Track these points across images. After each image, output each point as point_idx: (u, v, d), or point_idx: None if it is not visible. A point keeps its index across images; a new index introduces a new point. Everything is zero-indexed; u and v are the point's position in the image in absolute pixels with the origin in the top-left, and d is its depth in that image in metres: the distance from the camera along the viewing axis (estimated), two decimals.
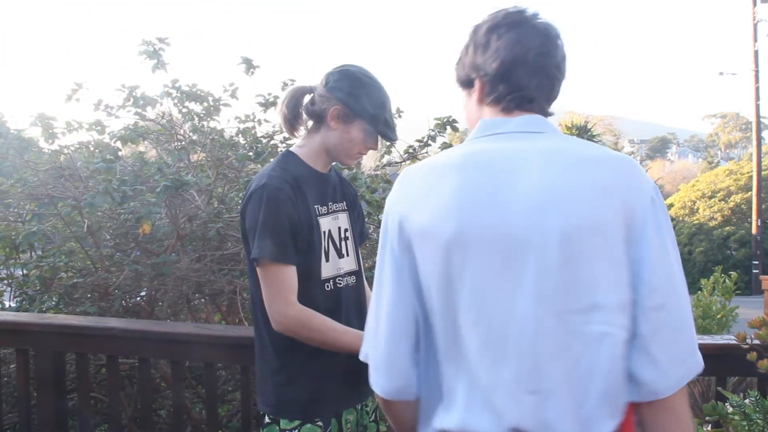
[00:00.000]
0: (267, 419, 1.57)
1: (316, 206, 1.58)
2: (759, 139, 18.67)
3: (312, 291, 1.54)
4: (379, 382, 1.09)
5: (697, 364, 0.97)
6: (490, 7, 1.14)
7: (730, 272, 6.55)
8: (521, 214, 0.94)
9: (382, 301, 1.06)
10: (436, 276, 0.99)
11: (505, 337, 0.94)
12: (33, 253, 2.99)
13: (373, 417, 1.72)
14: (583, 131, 20.45)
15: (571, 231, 0.93)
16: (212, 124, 3.11)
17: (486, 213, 0.96)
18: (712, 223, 19.23)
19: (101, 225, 2.82)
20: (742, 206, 19.24)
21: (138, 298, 2.91)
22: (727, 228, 18.92)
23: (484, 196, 0.97)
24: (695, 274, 17.53)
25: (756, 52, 18.22)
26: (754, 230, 17.70)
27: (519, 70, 1.05)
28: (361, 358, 1.14)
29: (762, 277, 8.55)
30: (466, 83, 1.14)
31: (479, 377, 0.97)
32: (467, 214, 0.96)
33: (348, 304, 1.63)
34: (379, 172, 3.39)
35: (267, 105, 3.08)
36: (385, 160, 3.48)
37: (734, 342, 1.63)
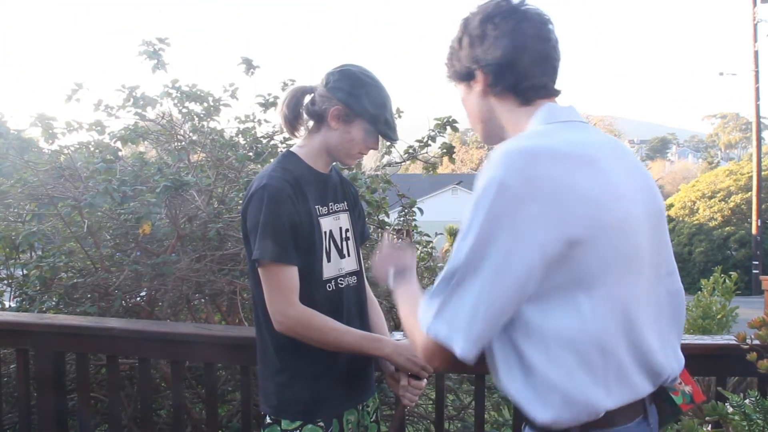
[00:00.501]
0: (268, 420, 1.57)
1: (316, 206, 1.58)
2: (759, 139, 18.67)
3: (313, 291, 1.54)
4: None
5: None
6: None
7: (730, 272, 6.55)
8: (629, 202, 1.05)
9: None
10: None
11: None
12: (33, 253, 2.98)
13: (374, 417, 1.72)
14: None
15: (658, 214, 1.13)
16: (212, 124, 3.11)
17: (612, 203, 1.02)
18: (712, 224, 19.23)
19: (101, 225, 2.82)
20: (742, 206, 19.23)
21: (138, 298, 2.91)
22: (727, 228, 18.91)
23: (606, 186, 1.03)
24: (695, 274, 17.52)
25: (756, 52, 18.22)
26: (754, 230, 17.70)
27: (523, 58, 1.09)
28: None
29: (762, 277, 8.56)
30: (465, 76, 1.16)
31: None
32: (603, 204, 1.01)
33: (349, 304, 1.63)
34: (379, 173, 3.39)
35: (267, 105, 3.08)
36: (385, 161, 3.49)
37: (734, 342, 1.63)
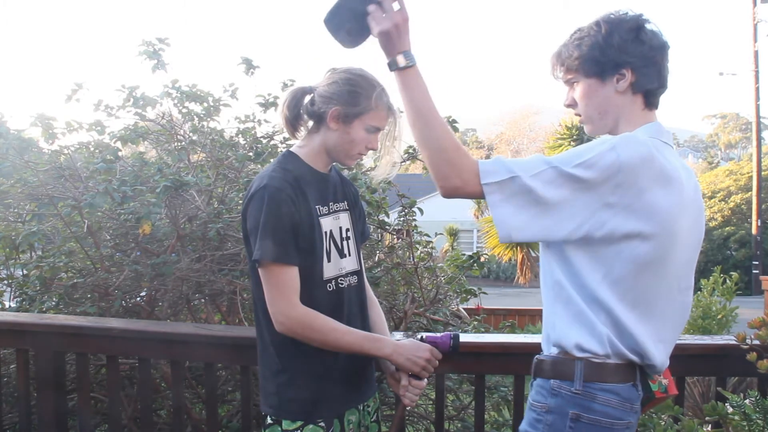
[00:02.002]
0: (269, 420, 1.57)
1: (317, 206, 1.58)
2: (759, 139, 18.66)
3: (314, 291, 1.54)
4: None
5: None
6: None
7: (731, 272, 6.54)
8: (695, 222, 1.32)
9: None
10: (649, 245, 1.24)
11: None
12: (33, 253, 2.98)
13: (374, 417, 1.72)
14: (583, 131, 20.45)
15: (700, 235, 1.35)
16: (212, 124, 3.11)
17: (677, 217, 1.25)
18: (712, 224, 19.21)
19: (101, 225, 2.82)
20: (742, 206, 19.23)
21: (138, 298, 2.91)
22: (727, 228, 18.91)
23: (679, 200, 1.25)
24: (695, 274, 17.47)
25: (756, 52, 18.22)
26: (754, 230, 17.70)
27: (664, 69, 1.32)
28: None
29: (762, 277, 8.55)
30: (606, 70, 1.29)
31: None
32: (673, 215, 1.24)
33: (350, 304, 1.63)
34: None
35: (267, 105, 3.08)
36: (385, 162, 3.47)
37: (734, 342, 1.63)
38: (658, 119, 1.35)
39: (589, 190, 1.19)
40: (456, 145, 1.27)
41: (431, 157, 1.28)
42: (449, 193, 1.28)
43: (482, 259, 3.23)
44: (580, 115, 1.37)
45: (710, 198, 19.92)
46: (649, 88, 1.31)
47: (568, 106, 1.38)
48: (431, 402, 2.84)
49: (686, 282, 1.35)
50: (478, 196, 1.25)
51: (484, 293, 3.28)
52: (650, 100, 1.32)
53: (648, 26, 1.29)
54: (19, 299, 2.97)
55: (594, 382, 1.25)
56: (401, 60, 1.30)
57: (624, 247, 1.21)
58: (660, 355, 1.31)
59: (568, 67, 1.34)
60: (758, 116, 18.63)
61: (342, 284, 1.61)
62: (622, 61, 1.28)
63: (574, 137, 19.84)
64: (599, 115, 1.34)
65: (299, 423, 1.54)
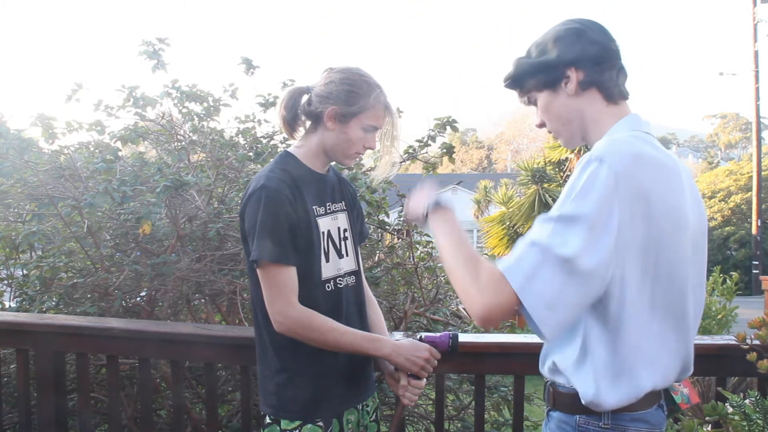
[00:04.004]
0: (268, 420, 1.57)
1: (314, 207, 1.58)
2: (759, 139, 18.66)
3: (312, 291, 1.54)
4: None
5: None
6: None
7: (731, 272, 6.55)
8: (694, 215, 1.23)
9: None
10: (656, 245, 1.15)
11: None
12: (33, 253, 2.98)
13: (373, 417, 1.72)
14: None
15: (702, 229, 1.28)
16: (212, 124, 3.11)
17: (684, 211, 1.19)
18: (712, 224, 19.23)
19: (101, 225, 2.82)
20: (742, 206, 19.25)
21: (138, 298, 2.91)
22: (727, 228, 18.93)
23: (682, 196, 1.20)
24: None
25: (756, 53, 18.22)
26: (754, 230, 17.70)
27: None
28: None
29: (762, 277, 8.56)
30: (553, 80, 1.27)
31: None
32: (679, 210, 1.18)
33: (348, 304, 1.63)
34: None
35: (267, 105, 3.08)
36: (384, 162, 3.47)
37: (734, 342, 1.63)
38: (632, 111, 1.29)
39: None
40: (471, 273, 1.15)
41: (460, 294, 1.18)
42: (488, 318, 1.12)
43: None
44: (552, 132, 1.36)
45: (710, 198, 19.94)
46: (602, 80, 1.25)
47: (540, 126, 1.36)
48: (431, 402, 2.84)
49: (698, 279, 1.28)
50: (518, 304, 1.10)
51: None
52: (610, 92, 1.26)
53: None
54: (19, 299, 2.97)
55: (623, 413, 1.17)
56: (423, 212, 1.34)
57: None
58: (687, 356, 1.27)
59: (519, 93, 1.35)
60: (758, 116, 18.63)
61: (340, 284, 1.61)
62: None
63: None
64: (563, 125, 1.31)
65: (298, 423, 1.54)
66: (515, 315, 1.14)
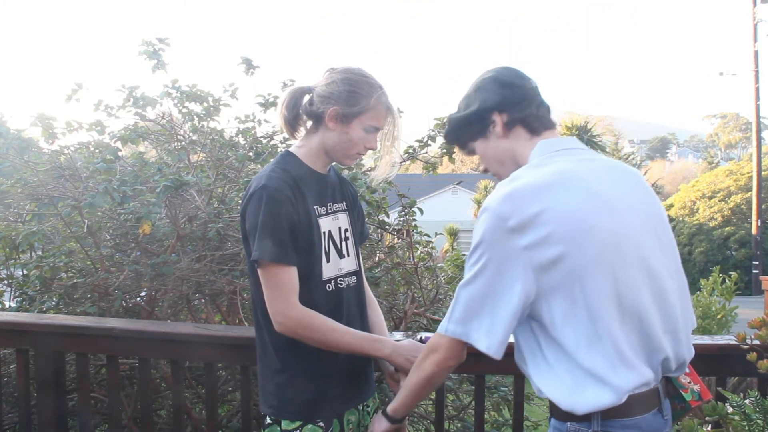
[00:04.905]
0: (268, 420, 1.57)
1: (315, 207, 1.58)
2: (759, 139, 18.67)
3: (313, 292, 1.54)
4: None
5: None
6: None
7: (731, 272, 6.55)
8: (623, 209, 1.23)
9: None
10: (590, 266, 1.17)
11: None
12: (33, 253, 2.98)
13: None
14: (583, 131, 20.42)
15: (657, 218, 1.29)
16: (212, 124, 3.11)
17: (597, 212, 1.19)
18: (712, 224, 19.22)
19: (101, 225, 2.82)
20: (742, 206, 19.23)
21: (138, 298, 2.91)
22: (727, 228, 18.91)
23: (591, 200, 1.20)
24: (695, 274, 17.51)
25: (756, 53, 18.22)
26: (754, 230, 17.70)
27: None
28: None
29: (762, 277, 8.56)
30: (482, 129, 1.37)
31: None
32: (585, 215, 1.18)
33: (349, 304, 1.63)
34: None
35: (267, 105, 3.08)
36: (384, 162, 3.46)
37: (734, 342, 1.62)
38: (553, 133, 1.37)
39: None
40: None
41: None
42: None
43: None
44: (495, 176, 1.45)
45: (710, 198, 19.92)
46: (524, 117, 1.34)
47: (484, 171, 1.46)
48: (431, 402, 2.84)
49: (674, 265, 1.29)
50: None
51: None
52: (533, 127, 1.35)
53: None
54: (19, 299, 2.97)
55: (613, 420, 1.16)
56: None
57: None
58: (673, 345, 1.25)
59: (458, 145, 1.46)
60: (758, 116, 18.64)
61: (341, 284, 1.61)
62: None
63: (574, 137, 19.86)
64: (501, 166, 1.39)
65: (298, 423, 1.54)
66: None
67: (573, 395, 1.16)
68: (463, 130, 1.42)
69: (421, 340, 1.59)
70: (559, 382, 1.18)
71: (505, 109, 1.35)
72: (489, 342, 1.20)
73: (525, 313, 1.20)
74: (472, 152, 1.45)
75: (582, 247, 1.15)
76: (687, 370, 1.35)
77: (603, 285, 1.16)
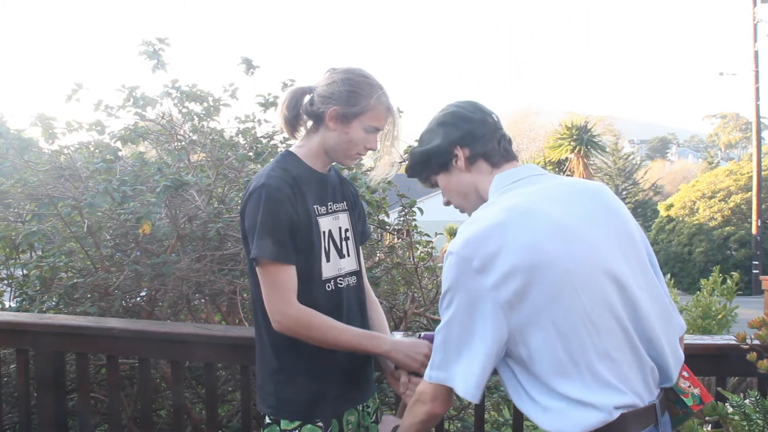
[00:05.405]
0: (267, 420, 1.57)
1: (315, 206, 1.58)
2: (759, 139, 18.66)
3: (313, 291, 1.54)
4: None
5: None
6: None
7: (731, 272, 6.54)
8: (586, 227, 1.24)
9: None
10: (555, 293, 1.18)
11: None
12: (33, 253, 2.98)
13: (374, 417, 1.72)
14: (583, 131, 20.42)
15: (626, 233, 1.29)
16: (212, 124, 3.11)
17: (556, 236, 1.21)
18: (712, 224, 19.20)
19: (101, 225, 2.82)
20: (742, 206, 19.21)
21: (138, 298, 2.91)
22: (727, 228, 18.89)
23: (547, 227, 1.21)
24: (695, 274, 17.52)
25: (756, 53, 18.21)
26: (754, 230, 17.69)
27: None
28: None
29: (762, 277, 8.55)
30: (445, 163, 1.40)
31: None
32: (542, 242, 1.20)
33: (349, 304, 1.63)
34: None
35: (267, 105, 3.08)
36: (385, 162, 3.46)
37: (734, 342, 1.63)
38: (513, 165, 1.39)
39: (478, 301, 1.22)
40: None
41: None
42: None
43: None
44: (458, 208, 1.47)
45: (710, 198, 19.91)
46: (486, 151, 1.37)
47: (446, 204, 1.49)
48: None
49: (647, 276, 1.28)
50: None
51: None
52: (494, 160, 1.37)
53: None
54: (19, 299, 2.97)
55: None
56: None
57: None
58: (657, 353, 1.24)
59: (420, 179, 1.49)
60: (758, 116, 18.63)
61: (341, 284, 1.61)
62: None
63: (574, 137, 19.84)
64: (464, 199, 1.42)
65: (297, 423, 1.54)
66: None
67: (562, 421, 1.17)
68: (426, 164, 1.44)
69: (420, 338, 1.59)
70: (547, 414, 1.18)
71: (467, 143, 1.37)
72: (465, 386, 1.22)
73: (502, 354, 1.22)
74: (434, 185, 1.48)
75: (543, 277, 1.16)
76: (686, 374, 1.35)
77: (572, 311, 1.17)
